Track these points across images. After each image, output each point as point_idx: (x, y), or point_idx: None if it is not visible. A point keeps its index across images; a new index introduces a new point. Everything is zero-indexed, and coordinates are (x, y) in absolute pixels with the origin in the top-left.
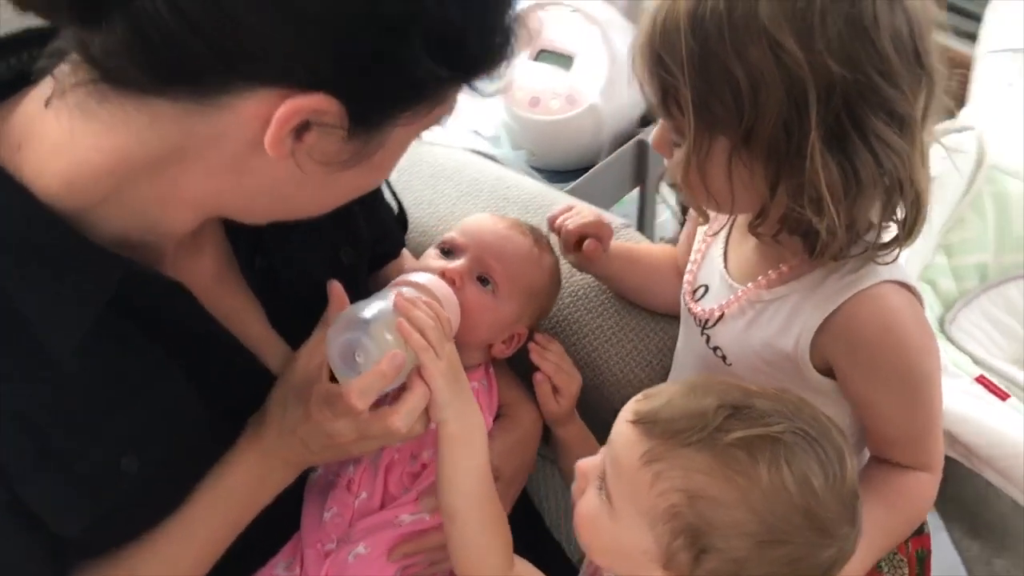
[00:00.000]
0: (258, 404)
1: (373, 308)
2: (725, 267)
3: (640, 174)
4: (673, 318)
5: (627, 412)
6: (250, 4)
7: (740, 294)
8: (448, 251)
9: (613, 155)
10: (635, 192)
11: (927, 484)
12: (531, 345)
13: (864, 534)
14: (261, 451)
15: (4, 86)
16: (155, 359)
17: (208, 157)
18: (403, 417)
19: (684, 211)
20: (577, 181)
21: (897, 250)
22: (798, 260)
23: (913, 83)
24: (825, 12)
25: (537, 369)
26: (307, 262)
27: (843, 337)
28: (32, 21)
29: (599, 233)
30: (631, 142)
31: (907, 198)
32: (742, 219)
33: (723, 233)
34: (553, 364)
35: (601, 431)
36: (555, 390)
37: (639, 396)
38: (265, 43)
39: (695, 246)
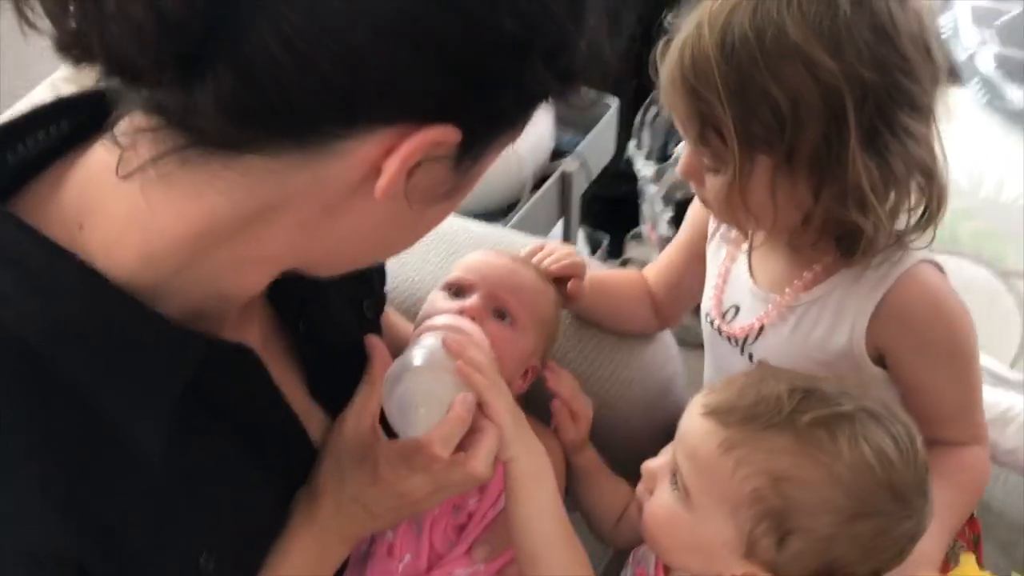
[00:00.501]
0: (303, 481)
1: (421, 355)
2: (754, 282)
3: (564, 207)
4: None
5: (696, 407)
6: (376, 34)
7: (778, 302)
8: (457, 291)
9: (542, 189)
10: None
11: (982, 456)
12: (547, 372)
13: (935, 515)
14: (316, 529)
15: (33, 160)
16: (223, 444)
17: (301, 208)
18: (484, 460)
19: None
20: (513, 219)
21: (931, 231)
22: (831, 258)
23: (927, 76)
24: (850, 24)
25: (550, 399)
26: (345, 321)
27: (896, 320)
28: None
29: (578, 272)
30: (556, 176)
31: (933, 181)
32: (763, 234)
33: (741, 252)
34: (570, 388)
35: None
36: (572, 416)
37: (704, 392)
38: (389, 76)
39: (713, 270)
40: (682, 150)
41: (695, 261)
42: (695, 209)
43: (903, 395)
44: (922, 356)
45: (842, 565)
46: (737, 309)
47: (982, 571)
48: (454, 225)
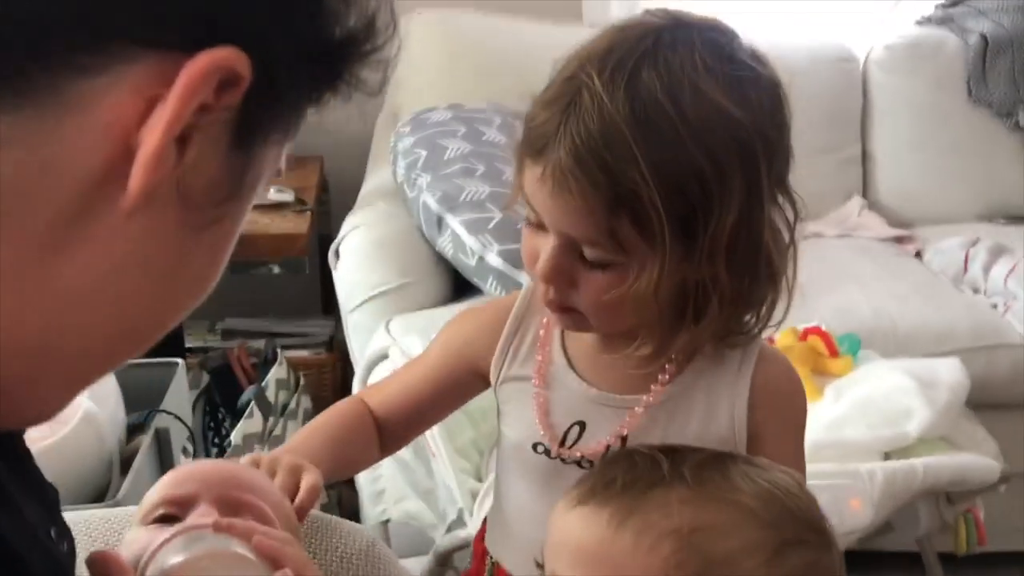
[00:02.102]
0: None
1: (195, 546)
2: (596, 390)
3: (165, 462)
4: None
5: (562, 508)
6: None
7: (646, 402)
8: (166, 516)
9: (137, 462)
10: None
11: None
12: None
13: None
14: None
15: None
16: None
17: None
18: None
19: None
20: (120, 494)
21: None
22: (685, 347)
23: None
24: (749, 79)
25: None
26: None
27: (767, 397)
28: None
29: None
30: (150, 438)
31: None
32: (595, 338)
33: (559, 364)
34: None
35: None
36: None
37: (565, 497)
38: None
39: (520, 394)
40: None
41: (446, 390)
42: (453, 333)
43: None
44: (782, 430)
45: None
46: (582, 426)
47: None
48: None
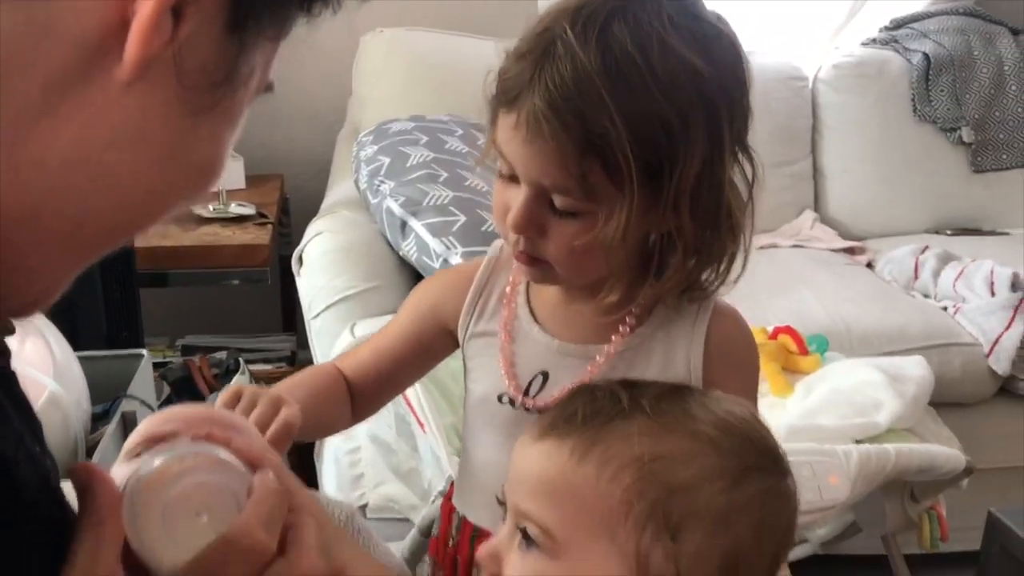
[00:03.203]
0: None
1: (174, 454)
2: (560, 340)
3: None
4: None
5: (526, 439)
6: None
7: (607, 352)
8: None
9: (101, 447)
10: None
11: None
12: None
13: None
14: None
15: None
16: None
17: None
18: (318, 552)
19: None
20: None
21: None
22: (647, 299)
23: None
24: (715, 35)
25: None
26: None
27: (722, 348)
28: None
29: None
30: (116, 422)
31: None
32: (559, 293)
33: (524, 318)
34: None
35: None
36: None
37: (526, 432)
38: None
39: (486, 348)
40: (516, 202)
41: (417, 351)
42: (421, 296)
43: None
44: (736, 379)
45: (743, 553)
46: (545, 376)
47: None
48: None
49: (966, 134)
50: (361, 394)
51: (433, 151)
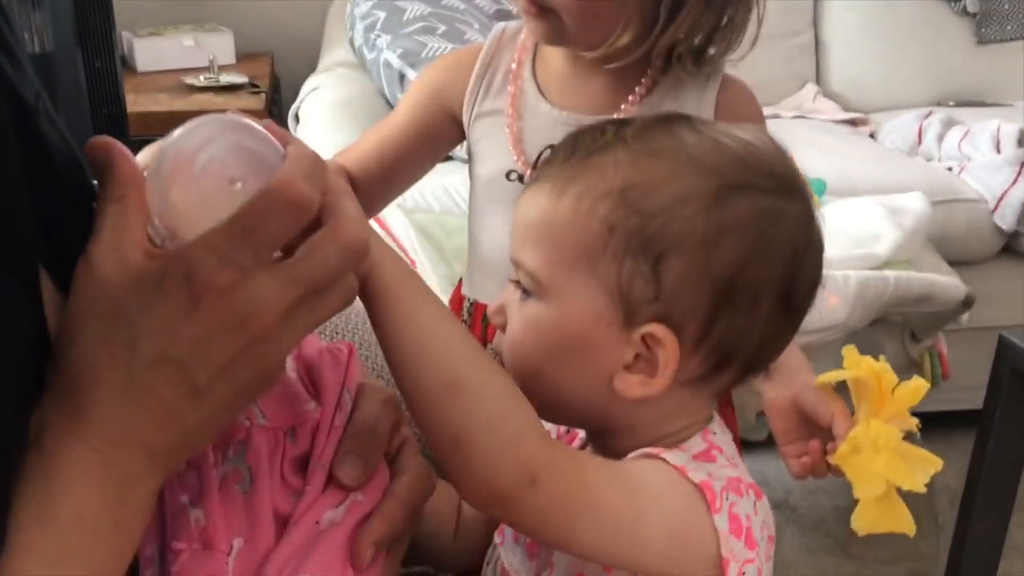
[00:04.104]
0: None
1: (207, 119)
2: (568, 113)
3: None
4: None
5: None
6: None
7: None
8: None
9: None
10: None
11: None
12: None
13: None
14: (100, 441)
15: None
16: None
17: None
18: (358, 221)
19: None
20: None
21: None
22: (655, 70)
23: None
24: None
25: None
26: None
27: (728, 115)
28: None
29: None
30: None
31: None
32: (564, 63)
33: (530, 93)
34: None
35: None
36: None
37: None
38: None
39: (493, 127)
40: None
41: (422, 138)
42: (425, 81)
43: None
44: None
45: (738, 276)
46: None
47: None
48: None
49: (970, 3)
50: (365, 191)
51: (430, 6)
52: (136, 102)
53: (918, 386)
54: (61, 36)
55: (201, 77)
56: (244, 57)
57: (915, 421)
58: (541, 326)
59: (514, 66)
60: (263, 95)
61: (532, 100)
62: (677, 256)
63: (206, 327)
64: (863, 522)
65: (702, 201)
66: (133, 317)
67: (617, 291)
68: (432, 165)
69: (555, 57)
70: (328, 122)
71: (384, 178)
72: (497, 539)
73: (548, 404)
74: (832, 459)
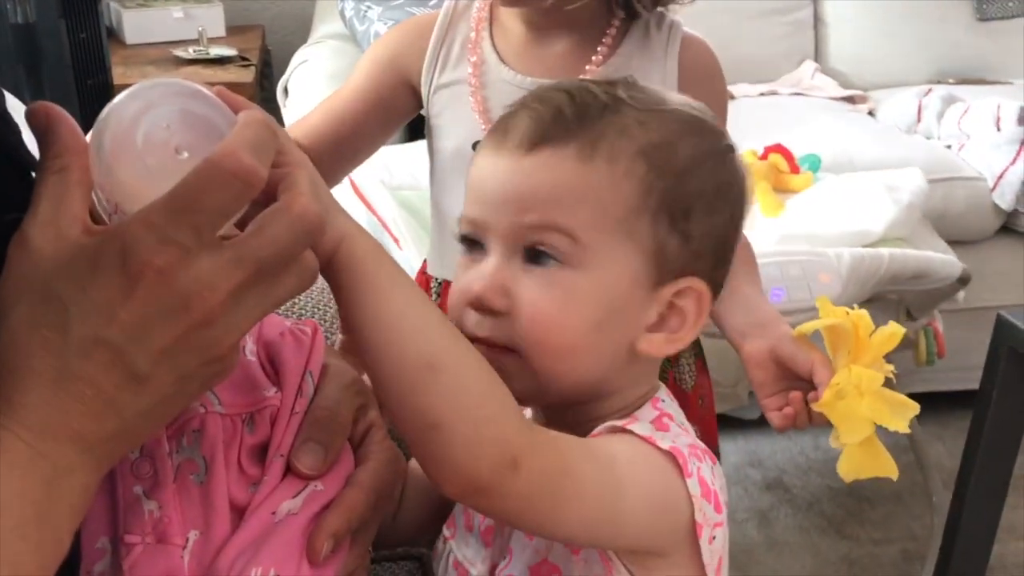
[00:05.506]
0: None
1: (152, 83)
2: (531, 78)
3: None
4: None
5: (513, 159)
6: None
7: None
8: None
9: None
10: None
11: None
12: None
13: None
14: (28, 432)
15: None
16: None
17: None
18: (311, 194)
19: None
20: None
21: None
22: (615, 29)
23: None
24: None
25: None
26: None
27: (693, 74)
28: None
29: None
30: None
31: None
32: (523, 30)
33: (491, 62)
34: None
35: None
36: None
37: (501, 151)
38: None
39: (456, 97)
40: None
41: (376, 108)
42: (379, 50)
43: None
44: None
45: (729, 231)
46: None
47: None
48: None
49: None
50: (318, 164)
51: None
52: (124, 75)
53: (894, 332)
54: (44, 6)
55: (191, 49)
56: (234, 29)
57: (891, 367)
58: (579, 295)
59: (472, 35)
60: (253, 68)
61: (494, 68)
62: (701, 211)
63: (144, 309)
64: (848, 468)
65: (713, 159)
66: (67, 299)
67: (654, 251)
68: (385, 139)
69: (513, 23)
70: (318, 95)
71: (338, 150)
72: (447, 532)
73: (564, 381)
74: (816, 406)
